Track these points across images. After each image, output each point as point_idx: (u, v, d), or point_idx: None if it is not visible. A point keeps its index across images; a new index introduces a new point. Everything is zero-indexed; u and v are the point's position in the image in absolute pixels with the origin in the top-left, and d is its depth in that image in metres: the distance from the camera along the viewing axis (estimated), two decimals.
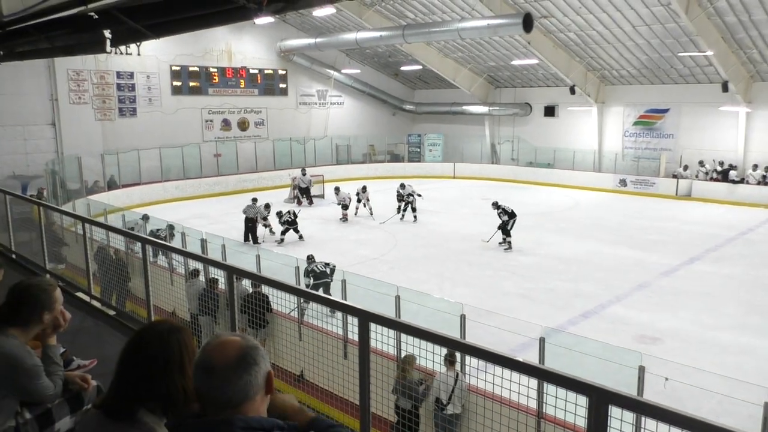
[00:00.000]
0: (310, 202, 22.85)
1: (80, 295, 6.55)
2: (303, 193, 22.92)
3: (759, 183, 22.28)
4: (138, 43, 21.12)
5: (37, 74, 21.34)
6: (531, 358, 4.20)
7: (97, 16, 6.28)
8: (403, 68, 30.29)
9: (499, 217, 15.77)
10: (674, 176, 24.07)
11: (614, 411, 2.17)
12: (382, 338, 3.40)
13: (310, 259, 11.46)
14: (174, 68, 25.49)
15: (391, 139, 32.02)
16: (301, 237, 16.72)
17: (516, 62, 25.97)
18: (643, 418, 2.25)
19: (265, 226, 17.05)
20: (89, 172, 20.83)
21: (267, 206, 17.16)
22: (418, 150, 31.92)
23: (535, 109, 29.24)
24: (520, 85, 29.60)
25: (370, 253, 15.56)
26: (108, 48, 7.32)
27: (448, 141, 31.78)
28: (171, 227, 13.72)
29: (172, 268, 8.85)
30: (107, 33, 6.94)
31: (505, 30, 19.71)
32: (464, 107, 30.67)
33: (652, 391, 5.80)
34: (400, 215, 19.38)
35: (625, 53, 22.95)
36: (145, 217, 14.97)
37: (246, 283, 6.75)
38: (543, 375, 2.59)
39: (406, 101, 33.38)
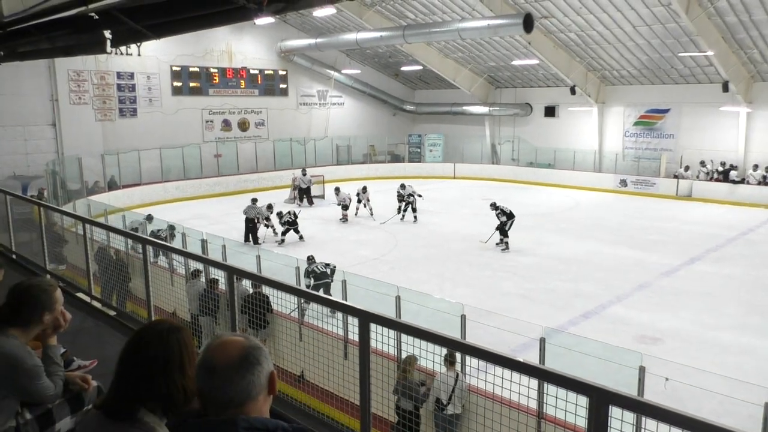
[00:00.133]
0: (311, 203, 22.85)
1: (81, 295, 6.55)
2: (303, 193, 22.92)
3: (759, 183, 22.27)
4: (138, 44, 21.16)
5: (38, 74, 21.35)
6: (531, 358, 4.20)
7: (97, 17, 6.29)
8: (404, 68, 30.29)
9: (498, 218, 15.77)
10: (675, 176, 24.07)
11: (615, 411, 2.18)
12: (382, 339, 3.41)
13: (311, 259, 11.47)
14: (174, 69, 25.50)
15: (392, 139, 32.02)
16: (301, 237, 16.72)
17: (516, 62, 25.97)
18: (643, 419, 2.25)
19: (267, 226, 17.04)
20: (90, 173, 20.83)
21: (269, 207, 17.15)
22: (419, 150, 31.92)
23: (535, 109, 29.24)
24: (521, 85, 29.60)
25: (371, 253, 15.57)
26: (108, 48, 7.33)
27: (449, 141, 31.78)
28: (172, 228, 13.73)
29: (172, 269, 8.85)
30: (107, 33, 6.95)
31: (506, 30, 19.72)
32: (464, 107, 30.66)
33: (653, 392, 5.80)
34: (400, 215, 19.38)
35: (625, 53, 22.95)
36: (149, 218, 14.99)
37: (246, 284, 6.76)
38: (543, 375, 2.59)
39: (406, 101, 33.39)
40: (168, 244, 9.65)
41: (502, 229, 15.67)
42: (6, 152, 20.98)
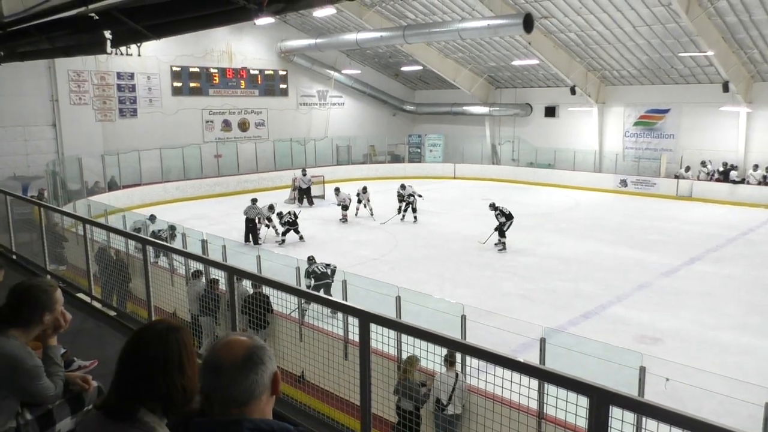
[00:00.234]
0: (311, 203, 22.85)
1: (81, 296, 6.56)
2: (303, 193, 22.92)
3: (759, 183, 22.26)
4: (138, 44, 21.17)
5: (38, 75, 21.36)
6: (532, 358, 4.20)
7: (97, 17, 6.29)
8: (404, 69, 30.29)
9: (497, 218, 15.76)
10: (676, 177, 24.06)
11: (615, 411, 2.17)
12: (382, 339, 3.41)
13: (311, 260, 11.47)
14: (174, 69, 25.50)
15: (392, 139, 32.01)
16: (301, 238, 16.72)
17: (516, 63, 25.97)
18: (643, 419, 2.25)
19: (268, 226, 17.03)
20: (90, 173, 20.83)
21: (271, 207, 17.12)
22: (419, 150, 31.92)
23: (535, 109, 29.24)
24: (521, 85, 29.60)
25: (371, 253, 15.56)
26: (108, 49, 7.34)
27: (449, 141, 31.78)
28: (172, 228, 13.73)
29: (173, 269, 8.85)
30: (108, 34, 6.95)
31: (506, 30, 19.72)
32: (465, 108, 30.66)
33: (653, 392, 5.80)
34: (400, 216, 19.38)
35: (625, 53, 22.95)
36: (152, 218, 14.99)
37: (247, 284, 6.76)
38: (544, 375, 2.59)
39: (406, 102, 33.39)
40: (168, 245, 9.65)
41: (501, 230, 15.67)
42: (6, 153, 20.99)
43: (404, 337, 3.44)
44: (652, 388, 5.85)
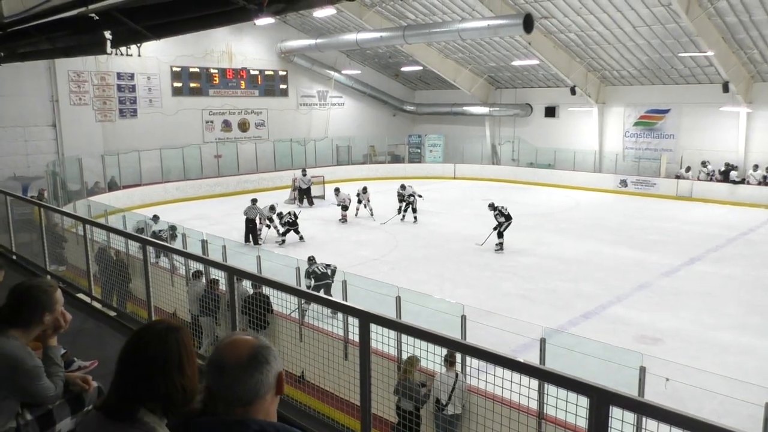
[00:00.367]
0: (311, 203, 22.86)
1: (81, 296, 6.56)
2: (303, 193, 22.92)
3: (760, 183, 22.26)
4: (138, 45, 21.18)
5: (38, 75, 21.37)
6: (532, 358, 4.19)
7: (97, 18, 6.29)
8: (404, 69, 30.29)
9: (496, 218, 15.75)
10: (677, 177, 24.06)
11: (615, 412, 2.18)
12: (383, 339, 3.41)
13: (311, 260, 11.47)
14: (174, 69, 25.51)
15: (392, 139, 32.02)
16: (301, 238, 16.72)
17: (516, 63, 25.97)
18: (644, 419, 2.26)
19: (269, 226, 17.02)
20: (90, 173, 20.83)
21: (272, 208, 17.11)
22: (419, 151, 31.92)
23: (535, 109, 29.24)
24: (521, 85, 29.60)
25: (371, 253, 15.57)
26: (108, 49, 7.34)
27: (449, 142, 31.78)
28: (173, 228, 13.73)
29: (173, 269, 8.85)
30: (108, 34, 6.95)
31: (506, 31, 19.73)
32: (465, 108, 30.66)
33: (653, 392, 5.80)
34: (400, 216, 19.38)
35: (625, 54, 22.95)
36: (155, 218, 14.99)
37: (247, 284, 6.75)
38: (544, 376, 2.59)
39: (406, 102, 33.39)
40: (168, 245, 9.65)
41: (499, 231, 15.65)
42: (6, 153, 20.99)
43: (404, 337, 3.44)
44: (652, 388, 5.85)
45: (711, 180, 23.44)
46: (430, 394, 6.32)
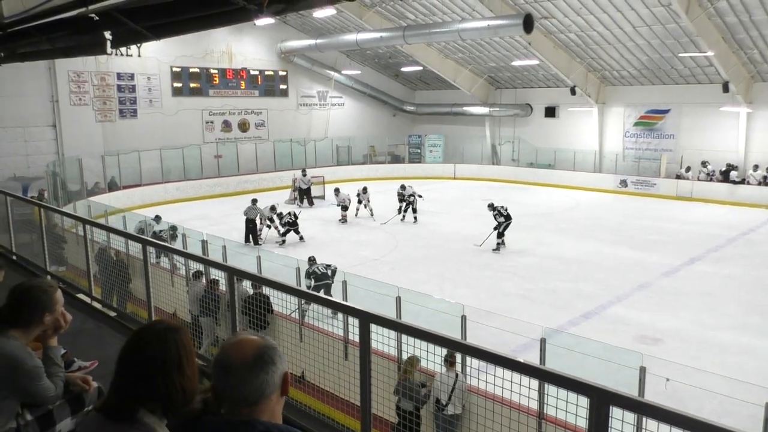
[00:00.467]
0: (311, 203, 22.86)
1: (81, 296, 6.56)
2: (303, 194, 22.92)
3: (760, 183, 22.26)
4: (138, 45, 21.17)
5: (38, 76, 21.37)
6: (532, 358, 4.19)
7: (97, 18, 6.29)
8: (404, 69, 30.29)
9: (495, 219, 15.74)
10: (677, 177, 24.05)
11: (615, 412, 2.18)
12: (383, 339, 3.41)
13: (312, 260, 11.47)
14: (174, 69, 25.51)
15: (392, 140, 32.01)
16: (301, 238, 16.72)
17: (516, 63, 25.97)
18: (644, 419, 2.26)
19: (269, 227, 17.02)
20: (90, 174, 20.84)
21: (273, 208, 17.09)
22: (419, 151, 31.92)
23: (535, 109, 29.24)
24: (521, 85, 29.60)
25: (371, 254, 15.56)
26: (108, 49, 7.34)
27: (449, 142, 31.78)
28: (173, 228, 13.73)
29: (173, 269, 8.85)
30: (108, 34, 6.96)
31: (506, 31, 19.73)
32: (465, 108, 30.66)
33: (653, 392, 5.80)
34: (400, 216, 19.38)
35: (625, 54, 22.95)
36: (157, 218, 14.99)
37: (247, 285, 6.75)
38: (544, 376, 2.59)
39: (406, 102, 33.39)
40: (168, 245, 9.65)
41: (499, 231, 15.63)
42: (6, 153, 20.99)
43: (404, 337, 3.44)
44: (652, 388, 5.85)
45: (711, 180, 23.43)
46: (430, 394, 6.32)
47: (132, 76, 24.32)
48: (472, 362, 6.08)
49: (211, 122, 26.96)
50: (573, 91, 25.49)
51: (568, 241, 16.72)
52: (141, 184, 22.73)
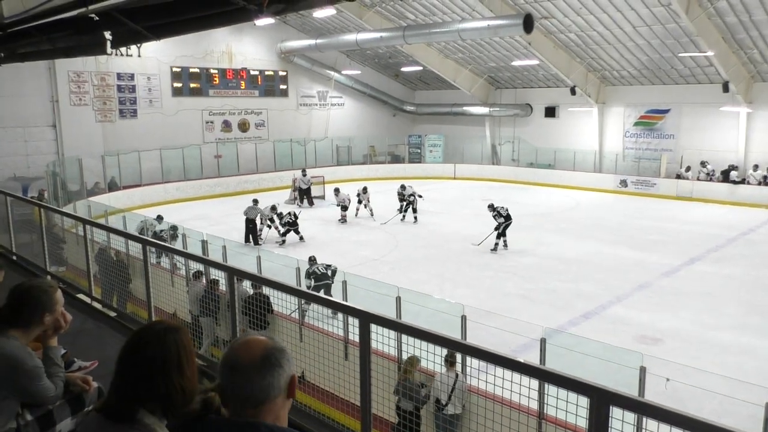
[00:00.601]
0: (311, 203, 22.86)
1: (81, 296, 6.56)
2: (303, 194, 22.92)
3: (760, 183, 22.26)
4: (138, 45, 21.16)
5: (38, 76, 21.37)
6: (532, 358, 4.20)
7: (97, 18, 6.30)
8: (404, 69, 30.29)
9: (495, 219, 15.73)
10: (677, 177, 24.05)
11: (615, 412, 2.18)
12: (383, 339, 3.41)
13: (312, 260, 11.47)
14: (174, 70, 25.51)
15: (392, 140, 32.01)
16: (301, 238, 16.72)
17: (516, 63, 25.97)
18: (644, 419, 2.26)
19: (270, 227, 17.01)
20: (90, 174, 20.84)
21: (273, 208, 17.09)
22: (419, 151, 31.92)
23: (535, 109, 29.24)
24: (521, 85, 29.60)
25: (371, 254, 15.56)
26: (108, 49, 7.34)
27: (449, 142, 31.79)
28: (174, 228, 13.73)
29: (173, 269, 8.85)
30: (108, 34, 6.96)
31: (506, 31, 19.73)
32: (465, 108, 30.66)
33: (653, 392, 5.79)
34: (400, 216, 19.38)
35: (625, 54, 22.95)
36: (159, 218, 14.99)
37: (247, 285, 6.76)
38: (544, 376, 2.59)
39: (406, 102, 33.39)
40: (168, 245, 9.65)
41: (498, 231, 15.61)
42: (6, 153, 20.99)
43: (404, 337, 3.45)
44: (652, 388, 5.85)
45: (711, 180, 23.43)
46: (430, 394, 6.32)
47: (132, 76, 24.32)
48: (472, 362, 6.08)
49: (211, 122, 26.97)
50: (573, 91, 25.49)
51: (568, 241, 16.72)
52: (141, 184, 22.73)
